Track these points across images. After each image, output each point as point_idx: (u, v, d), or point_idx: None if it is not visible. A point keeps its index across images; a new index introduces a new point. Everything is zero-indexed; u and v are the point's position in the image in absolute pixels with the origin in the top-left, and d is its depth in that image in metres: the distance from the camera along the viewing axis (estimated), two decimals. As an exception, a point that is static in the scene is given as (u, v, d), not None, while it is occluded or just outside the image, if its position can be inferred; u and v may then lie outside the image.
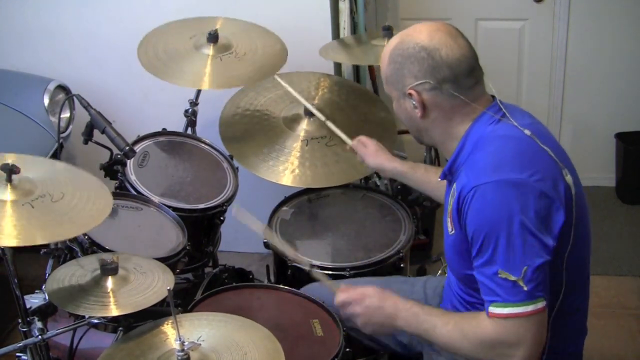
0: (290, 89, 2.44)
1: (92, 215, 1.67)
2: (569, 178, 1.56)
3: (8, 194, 1.60)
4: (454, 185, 1.62)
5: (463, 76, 1.57)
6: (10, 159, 1.67)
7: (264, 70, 2.47)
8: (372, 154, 2.14)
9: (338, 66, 3.00)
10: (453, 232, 1.62)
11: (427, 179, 2.04)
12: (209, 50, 2.45)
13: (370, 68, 3.15)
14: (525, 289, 1.47)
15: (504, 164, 1.52)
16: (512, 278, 1.47)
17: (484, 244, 1.50)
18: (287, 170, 2.38)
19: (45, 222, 1.59)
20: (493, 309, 1.51)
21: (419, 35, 1.58)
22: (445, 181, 1.75)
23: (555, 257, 1.52)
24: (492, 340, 1.52)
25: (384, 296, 1.70)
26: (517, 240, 1.47)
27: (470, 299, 1.69)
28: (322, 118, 2.38)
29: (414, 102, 1.61)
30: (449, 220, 1.64)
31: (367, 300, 1.70)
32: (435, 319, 1.61)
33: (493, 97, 1.65)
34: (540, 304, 1.49)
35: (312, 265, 1.87)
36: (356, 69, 3.10)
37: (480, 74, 1.61)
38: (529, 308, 1.48)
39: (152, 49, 2.47)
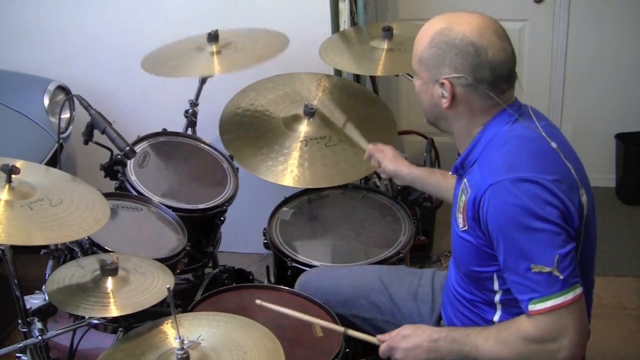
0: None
1: (89, 223, 1.67)
2: (584, 198, 1.56)
3: (5, 194, 1.60)
4: (465, 180, 1.61)
5: (501, 80, 1.55)
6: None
7: (267, 52, 2.47)
8: (390, 159, 2.12)
9: (338, 66, 3.00)
10: (465, 228, 1.60)
11: (445, 184, 2.01)
12: (212, 48, 2.46)
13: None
14: (561, 277, 1.46)
15: (518, 163, 1.51)
16: (547, 270, 1.46)
17: (508, 244, 1.49)
18: (286, 170, 2.38)
19: (43, 224, 1.59)
20: (533, 306, 1.49)
21: (469, 27, 1.54)
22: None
23: None
24: (536, 338, 1.51)
25: (418, 332, 1.68)
26: (541, 233, 1.46)
27: (471, 297, 1.69)
28: (342, 120, 2.31)
29: (444, 92, 1.58)
30: (460, 215, 1.62)
31: (403, 343, 1.68)
32: (474, 338, 1.60)
33: (515, 98, 1.64)
34: (579, 290, 1.48)
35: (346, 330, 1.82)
36: (356, 68, 3.09)
37: (514, 79, 1.59)
38: (569, 296, 1.47)
39: (156, 60, 2.48)
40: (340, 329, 1.79)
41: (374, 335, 1.76)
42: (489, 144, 1.58)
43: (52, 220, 1.61)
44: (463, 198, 1.60)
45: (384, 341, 1.71)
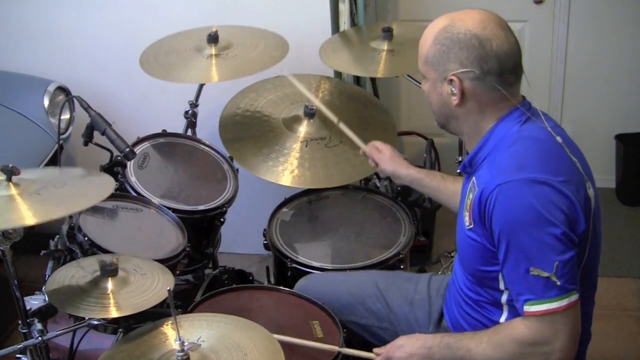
0: (303, 89, 2.32)
1: (97, 192, 1.72)
2: (591, 192, 1.57)
3: (12, 189, 1.61)
4: (473, 178, 1.61)
5: (507, 71, 1.55)
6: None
7: (266, 61, 2.48)
8: (388, 159, 2.08)
9: (338, 67, 3.00)
10: (471, 226, 1.60)
11: (444, 187, 1.99)
12: (211, 50, 2.47)
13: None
14: (559, 283, 1.47)
15: (528, 164, 1.51)
16: (545, 274, 1.47)
17: (511, 243, 1.50)
18: (286, 170, 2.38)
19: (57, 201, 1.63)
20: (528, 308, 1.51)
21: (471, 21, 1.54)
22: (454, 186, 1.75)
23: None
24: (529, 340, 1.52)
25: (412, 341, 1.69)
26: (546, 237, 1.47)
27: (478, 297, 1.69)
28: (335, 120, 2.26)
29: (453, 89, 1.57)
30: (466, 213, 1.62)
31: (398, 353, 1.69)
32: (467, 342, 1.61)
33: (524, 97, 1.65)
34: (574, 297, 1.49)
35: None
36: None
37: (520, 73, 1.60)
38: (564, 302, 1.48)
39: (153, 58, 2.49)
40: (335, 349, 1.79)
41: (369, 347, 1.78)
42: (499, 143, 1.58)
43: (62, 198, 1.65)
44: (470, 196, 1.60)
45: (380, 354, 1.72)
